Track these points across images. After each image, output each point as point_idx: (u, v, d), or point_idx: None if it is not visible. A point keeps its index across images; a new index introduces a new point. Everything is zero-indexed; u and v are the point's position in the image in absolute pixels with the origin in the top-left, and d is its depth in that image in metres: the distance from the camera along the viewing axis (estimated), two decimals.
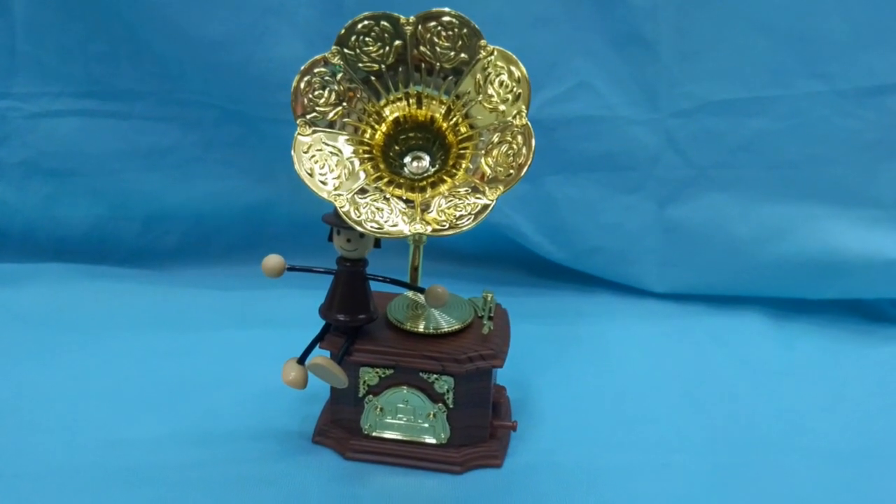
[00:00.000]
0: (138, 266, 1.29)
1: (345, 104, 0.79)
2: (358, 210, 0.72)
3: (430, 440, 0.85)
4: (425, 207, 0.74)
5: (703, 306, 1.23)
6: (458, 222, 0.71)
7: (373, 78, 0.79)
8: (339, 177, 0.75)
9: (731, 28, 1.11)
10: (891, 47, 1.09)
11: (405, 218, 0.73)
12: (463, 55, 0.77)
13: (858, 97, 1.12)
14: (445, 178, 0.77)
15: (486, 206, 0.72)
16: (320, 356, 0.80)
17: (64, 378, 0.97)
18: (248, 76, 1.15)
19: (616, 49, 1.14)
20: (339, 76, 0.78)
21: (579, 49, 1.14)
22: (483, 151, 0.76)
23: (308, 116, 0.77)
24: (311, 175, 0.74)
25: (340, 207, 0.72)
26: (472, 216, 0.71)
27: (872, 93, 1.11)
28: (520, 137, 0.74)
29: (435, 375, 0.82)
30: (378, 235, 0.72)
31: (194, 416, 0.91)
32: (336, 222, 0.77)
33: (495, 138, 0.76)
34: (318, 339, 0.84)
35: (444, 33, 0.77)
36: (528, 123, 0.74)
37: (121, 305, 1.16)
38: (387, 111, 0.80)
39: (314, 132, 0.77)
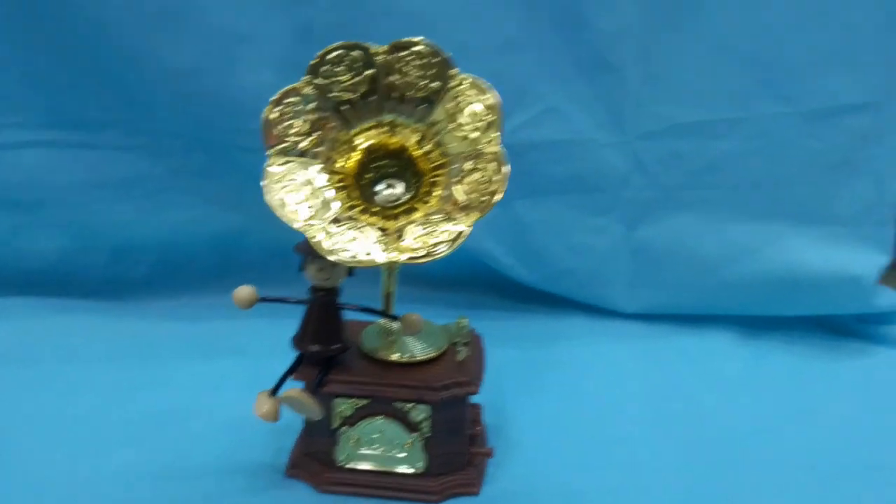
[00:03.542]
0: (106, 298, 1.27)
1: (317, 133, 0.78)
2: (331, 240, 0.72)
3: (407, 470, 0.84)
4: (399, 235, 0.74)
5: (672, 326, 1.24)
6: (434, 249, 0.71)
7: (344, 107, 0.79)
8: (312, 206, 0.75)
9: (695, 52, 1.13)
10: (848, 69, 1.12)
11: (380, 246, 0.72)
12: (434, 84, 0.77)
13: (819, 118, 1.14)
14: (419, 205, 0.78)
15: (461, 233, 0.72)
16: (294, 388, 0.79)
17: (30, 414, 0.95)
18: (218, 104, 1.15)
19: (583, 73, 1.15)
20: (310, 105, 0.78)
21: (546, 74, 1.15)
22: (456, 179, 0.77)
23: (280, 146, 0.77)
24: (283, 206, 0.74)
25: (312, 238, 0.72)
26: (448, 243, 0.72)
27: (832, 113, 1.14)
28: (492, 165, 0.75)
29: (410, 404, 0.81)
30: (352, 265, 0.72)
31: (164, 450, 0.89)
32: (309, 252, 0.76)
33: (468, 166, 0.76)
34: (292, 371, 0.83)
35: (415, 62, 0.77)
36: (501, 150, 0.75)
37: (89, 339, 1.14)
38: (359, 140, 0.80)
39: (286, 162, 0.77)
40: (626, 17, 1.11)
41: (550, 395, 1.05)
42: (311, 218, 0.74)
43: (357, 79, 0.78)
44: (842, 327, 1.26)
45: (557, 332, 1.23)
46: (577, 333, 1.23)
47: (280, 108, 0.77)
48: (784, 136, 1.15)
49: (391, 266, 0.83)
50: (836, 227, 1.18)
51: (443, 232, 0.73)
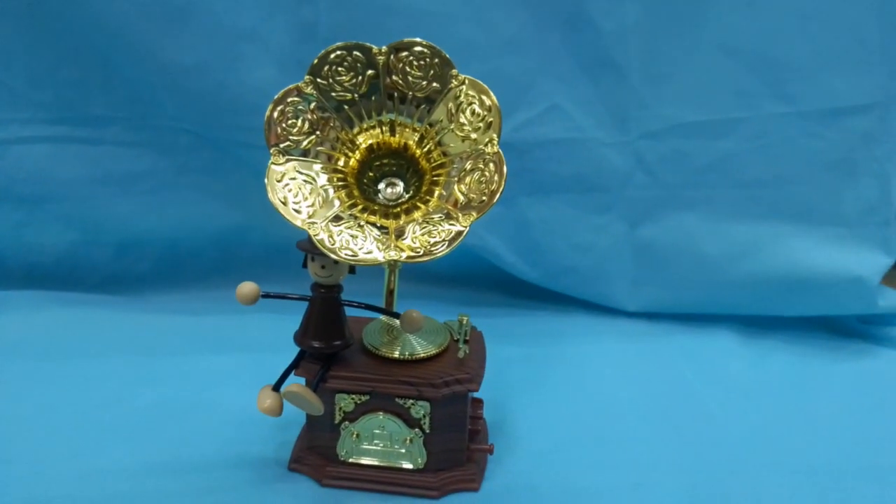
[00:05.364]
0: (111, 292, 1.28)
1: (318, 133, 0.79)
2: (332, 238, 0.73)
3: (407, 465, 0.85)
4: (399, 234, 0.74)
5: (674, 324, 1.25)
6: (433, 248, 0.72)
7: (346, 106, 0.80)
8: (313, 205, 0.76)
9: (698, 52, 1.13)
10: (851, 70, 1.12)
11: (380, 245, 0.73)
12: (435, 84, 0.78)
13: (821, 118, 1.14)
14: (419, 204, 0.78)
15: (459, 233, 0.73)
16: (296, 383, 0.80)
17: (35, 407, 0.96)
18: (222, 101, 1.15)
19: (586, 73, 1.16)
20: (312, 105, 0.79)
21: (551, 73, 1.16)
22: (456, 178, 0.77)
23: (282, 145, 0.78)
24: (284, 204, 0.75)
25: (315, 236, 0.72)
26: (447, 242, 0.72)
27: (834, 114, 1.14)
28: (492, 165, 0.75)
29: (411, 401, 0.82)
30: (353, 263, 0.73)
31: (168, 444, 0.90)
32: (310, 249, 0.77)
33: (468, 165, 0.77)
34: (294, 366, 0.83)
35: (416, 63, 0.78)
36: (500, 151, 0.75)
37: (93, 332, 1.15)
38: (360, 139, 0.81)
39: (288, 161, 0.78)
40: (630, 16, 1.12)
41: (552, 393, 1.05)
42: (312, 216, 0.75)
43: (358, 79, 0.79)
44: (844, 328, 1.26)
45: (559, 330, 1.24)
46: (578, 331, 1.24)
47: (282, 107, 0.78)
48: (786, 136, 1.15)
49: (393, 264, 0.84)
50: (839, 227, 1.19)
51: (442, 231, 0.73)
